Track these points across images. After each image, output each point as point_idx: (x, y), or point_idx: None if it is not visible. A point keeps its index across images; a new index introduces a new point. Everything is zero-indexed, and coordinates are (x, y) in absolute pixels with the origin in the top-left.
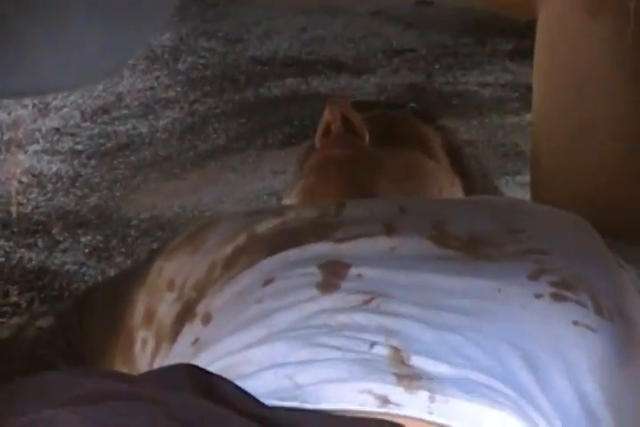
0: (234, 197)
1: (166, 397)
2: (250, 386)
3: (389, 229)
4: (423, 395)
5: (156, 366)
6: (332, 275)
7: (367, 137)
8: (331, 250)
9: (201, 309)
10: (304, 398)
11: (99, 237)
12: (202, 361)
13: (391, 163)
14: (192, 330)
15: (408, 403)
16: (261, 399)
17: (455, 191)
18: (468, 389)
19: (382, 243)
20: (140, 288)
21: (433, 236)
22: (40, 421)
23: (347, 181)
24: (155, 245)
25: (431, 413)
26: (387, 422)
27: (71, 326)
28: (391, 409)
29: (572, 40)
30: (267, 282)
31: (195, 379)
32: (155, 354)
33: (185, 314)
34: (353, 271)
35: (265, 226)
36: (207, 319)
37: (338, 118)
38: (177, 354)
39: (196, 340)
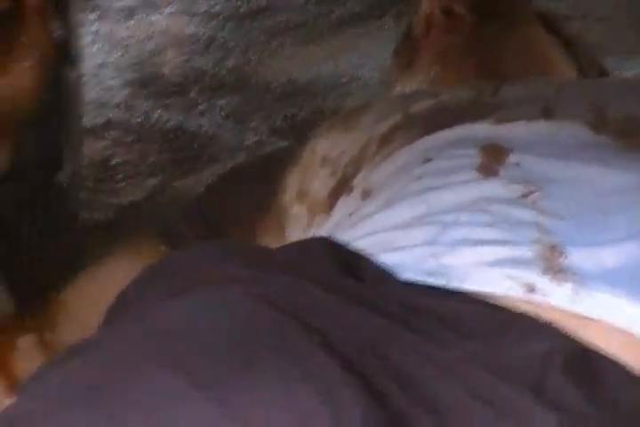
0: (370, 65)
1: (285, 279)
2: (397, 260)
3: (547, 113)
4: (568, 287)
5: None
6: (492, 159)
7: (469, 19)
8: (489, 132)
9: (358, 183)
10: (449, 278)
11: (236, 100)
12: (359, 232)
13: (505, 41)
14: (349, 202)
15: (553, 293)
16: (406, 274)
17: (565, 60)
18: (616, 285)
19: (540, 127)
20: (292, 168)
21: (590, 120)
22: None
23: (472, 65)
24: (292, 111)
25: (575, 303)
26: (527, 317)
27: (212, 204)
28: (536, 297)
29: None
30: (426, 160)
31: (333, 253)
32: (307, 227)
33: (340, 188)
34: (512, 159)
35: (420, 106)
36: (366, 194)
37: (436, 8)
38: (334, 223)
39: (354, 212)
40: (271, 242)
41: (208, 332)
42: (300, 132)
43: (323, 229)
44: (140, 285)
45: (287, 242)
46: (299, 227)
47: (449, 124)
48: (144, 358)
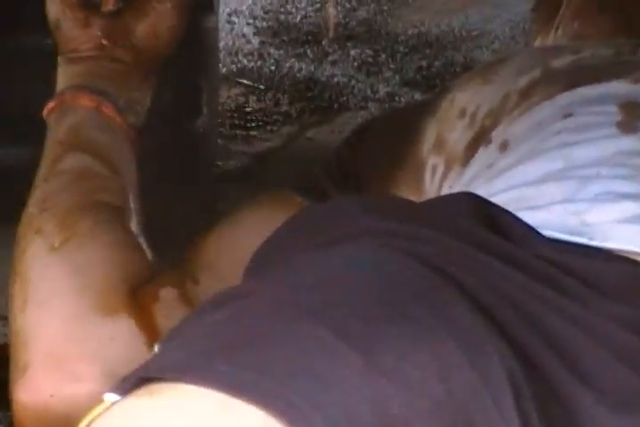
0: (501, 18)
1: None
2: (538, 218)
3: None
4: None
5: (444, 191)
6: (632, 116)
7: None
8: (630, 90)
9: (496, 135)
10: (591, 236)
11: (368, 51)
12: (495, 187)
13: None
14: (487, 155)
15: None
16: (547, 232)
17: None
18: None
19: None
20: (430, 118)
21: None
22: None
23: (613, 22)
24: (423, 63)
25: None
26: None
27: (350, 156)
28: None
29: None
30: (565, 116)
31: (476, 209)
32: (443, 179)
33: (478, 140)
34: None
35: (561, 61)
36: (504, 147)
37: None
38: (472, 175)
39: (492, 164)
40: (409, 194)
41: (352, 284)
42: (431, 84)
43: (460, 182)
44: (281, 238)
45: (424, 194)
46: (436, 178)
47: (589, 81)
48: (288, 311)
